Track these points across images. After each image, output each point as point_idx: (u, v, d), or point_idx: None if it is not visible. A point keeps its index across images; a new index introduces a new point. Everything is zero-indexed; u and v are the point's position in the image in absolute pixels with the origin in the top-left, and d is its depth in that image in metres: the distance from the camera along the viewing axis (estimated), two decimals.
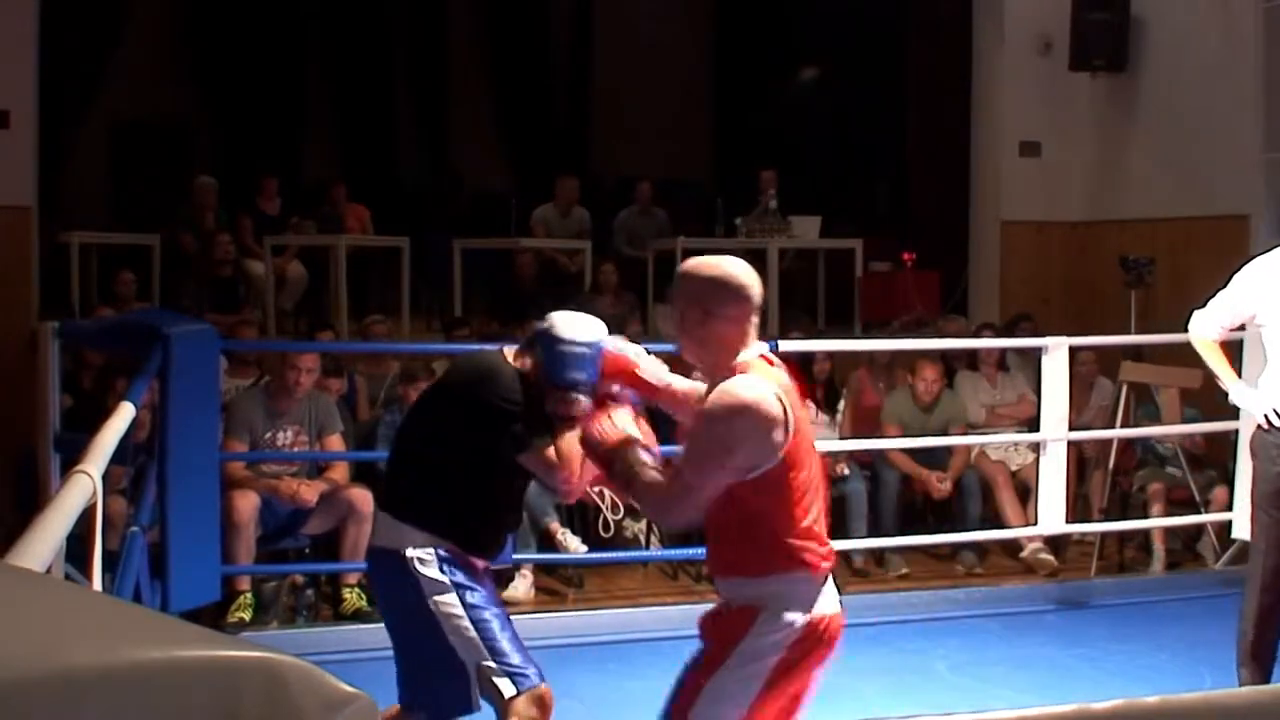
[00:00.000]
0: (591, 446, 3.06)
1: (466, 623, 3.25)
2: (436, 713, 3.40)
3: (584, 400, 3.24)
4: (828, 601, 2.83)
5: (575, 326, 3.28)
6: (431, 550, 3.28)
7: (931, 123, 11.25)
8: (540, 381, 3.30)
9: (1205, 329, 4.59)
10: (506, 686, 3.22)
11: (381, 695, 3.49)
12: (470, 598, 3.27)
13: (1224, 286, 4.65)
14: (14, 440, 6.23)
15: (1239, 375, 4.86)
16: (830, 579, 2.87)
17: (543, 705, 3.25)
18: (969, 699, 4.95)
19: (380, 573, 3.44)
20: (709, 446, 2.76)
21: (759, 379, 2.79)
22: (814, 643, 2.80)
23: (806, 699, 2.90)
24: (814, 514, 2.83)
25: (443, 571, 3.28)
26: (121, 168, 11.45)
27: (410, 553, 3.28)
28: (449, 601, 3.26)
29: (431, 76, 12.81)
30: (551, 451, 3.26)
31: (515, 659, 3.26)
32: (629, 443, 2.98)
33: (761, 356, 2.86)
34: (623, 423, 3.07)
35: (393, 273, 9.58)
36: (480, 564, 3.41)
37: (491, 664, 3.24)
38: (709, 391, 2.87)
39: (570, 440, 3.25)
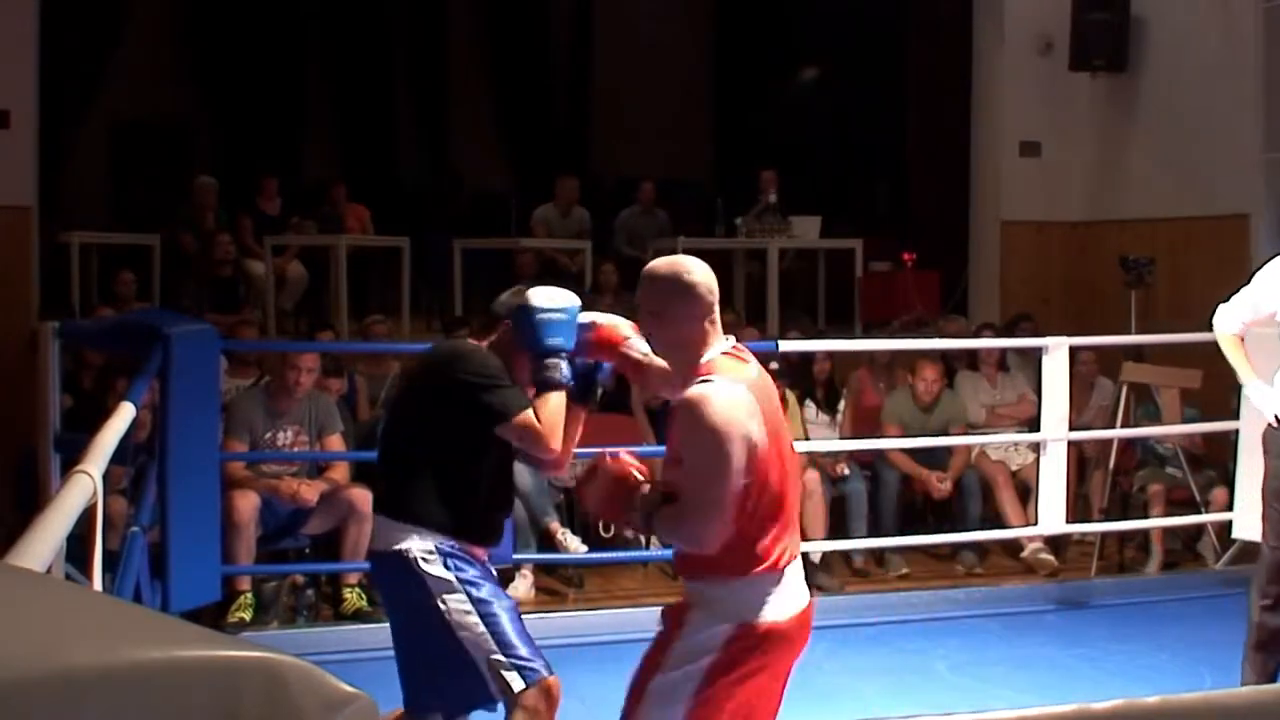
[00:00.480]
0: (609, 492, 2.97)
1: (475, 618, 3.25)
2: (447, 711, 3.41)
3: (564, 366, 3.28)
4: (778, 606, 2.76)
5: (550, 296, 3.32)
6: (433, 547, 3.28)
7: (931, 123, 11.25)
8: (515, 354, 3.34)
9: (1228, 324, 4.61)
10: (515, 680, 3.23)
11: (381, 695, 3.49)
12: (477, 592, 3.27)
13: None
14: (14, 440, 6.23)
15: None
16: (788, 583, 2.80)
17: (549, 696, 3.27)
18: (969, 699, 4.95)
19: (384, 575, 3.45)
20: (715, 464, 2.70)
21: (723, 380, 2.75)
22: (754, 643, 2.73)
23: (768, 705, 2.83)
24: (773, 514, 2.77)
25: (447, 568, 3.28)
26: (121, 168, 11.45)
27: (413, 552, 3.28)
28: (457, 598, 3.26)
29: (431, 76, 12.81)
30: (531, 418, 3.25)
31: (523, 651, 3.26)
32: (641, 485, 2.92)
33: (725, 353, 2.84)
34: (633, 463, 2.98)
35: (393, 273, 9.58)
36: (482, 553, 3.41)
37: (501, 657, 3.24)
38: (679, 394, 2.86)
39: (552, 408, 3.25)
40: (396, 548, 3.30)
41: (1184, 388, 6.97)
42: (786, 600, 2.79)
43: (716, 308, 2.89)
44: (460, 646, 3.26)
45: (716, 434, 2.69)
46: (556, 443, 3.27)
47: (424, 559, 3.27)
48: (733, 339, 2.92)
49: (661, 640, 2.82)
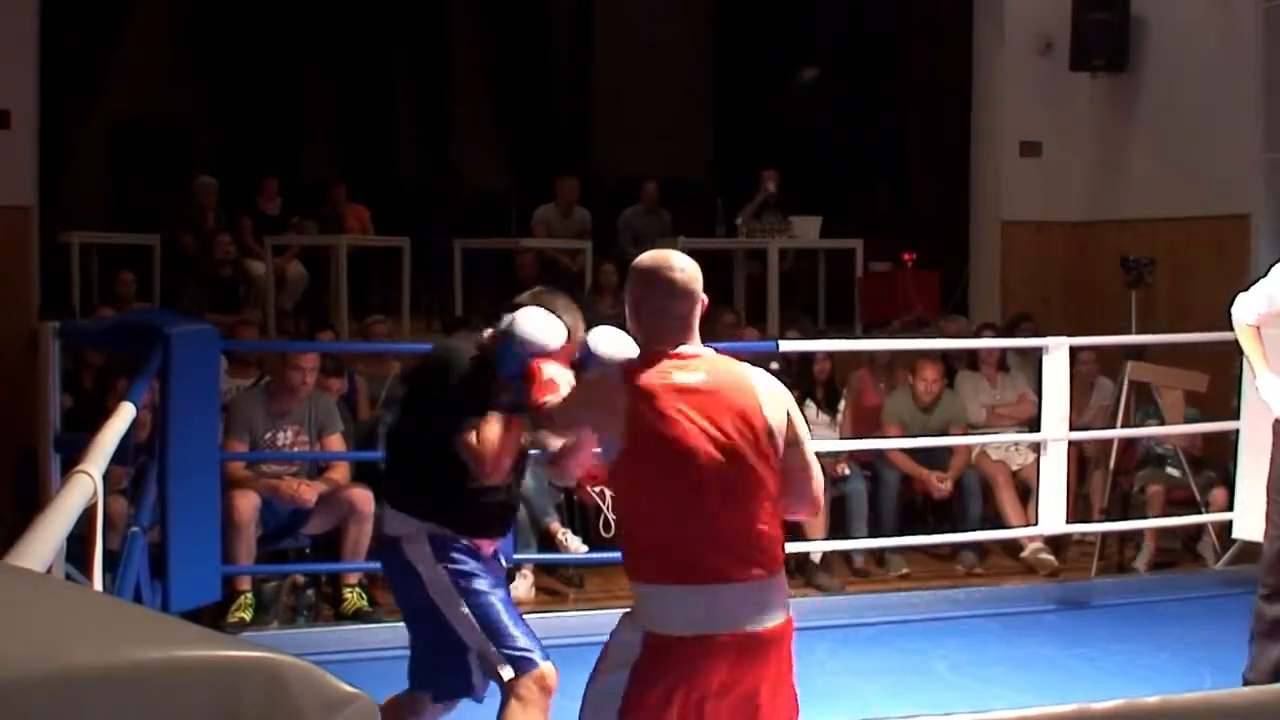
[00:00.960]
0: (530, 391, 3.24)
1: (466, 609, 3.31)
2: (438, 695, 3.48)
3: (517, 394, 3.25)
4: (688, 621, 2.67)
5: (529, 324, 3.27)
6: (426, 539, 3.35)
7: (931, 123, 11.25)
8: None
9: (1245, 313, 4.61)
10: (506, 670, 3.29)
11: (381, 695, 3.51)
12: (467, 583, 3.33)
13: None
14: (14, 440, 6.22)
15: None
16: (699, 603, 2.67)
17: (544, 685, 3.30)
18: (969, 699, 4.95)
19: (387, 563, 3.53)
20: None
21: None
22: (663, 656, 2.67)
23: None
24: (682, 524, 2.71)
25: (439, 559, 3.34)
26: (121, 168, 11.45)
27: (409, 543, 3.36)
28: (447, 588, 3.32)
29: (431, 76, 12.81)
30: (472, 437, 3.23)
31: (516, 641, 3.31)
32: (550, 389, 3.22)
33: (671, 354, 2.78)
34: (552, 373, 3.26)
35: (393, 273, 9.58)
36: (487, 547, 3.45)
37: (493, 648, 3.30)
38: None
39: (493, 430, 3.22)
40: (395, 536, 3.39)
41: (1188, 390, 6.97)
42: (702, 618, 2.67)
43: (696, 310, 2.83)
44: (454, 636, 3.33)
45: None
46: (491, 466, 3.24)
47: (417, 549, 3.34)
48: (688, 346, 2.82)
49: (607, 641, 2.82)
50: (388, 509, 3.48)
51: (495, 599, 3.35)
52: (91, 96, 10.78)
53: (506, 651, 3.29)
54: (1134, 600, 6.45)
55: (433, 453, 3.38)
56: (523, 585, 6.20)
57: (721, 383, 2.78)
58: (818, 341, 7.78)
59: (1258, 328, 4.60)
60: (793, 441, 2.83)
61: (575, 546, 6.17)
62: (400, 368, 7.05)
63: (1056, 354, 6.36)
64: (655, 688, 2.68)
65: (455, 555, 3.34)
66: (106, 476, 3.11)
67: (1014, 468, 7.10)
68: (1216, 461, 7.12)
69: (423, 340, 8.59)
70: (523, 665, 3.29)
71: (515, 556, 5.81)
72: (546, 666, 3.31)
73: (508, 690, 3.29)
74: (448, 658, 3.37)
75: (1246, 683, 4.42)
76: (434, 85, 12.82)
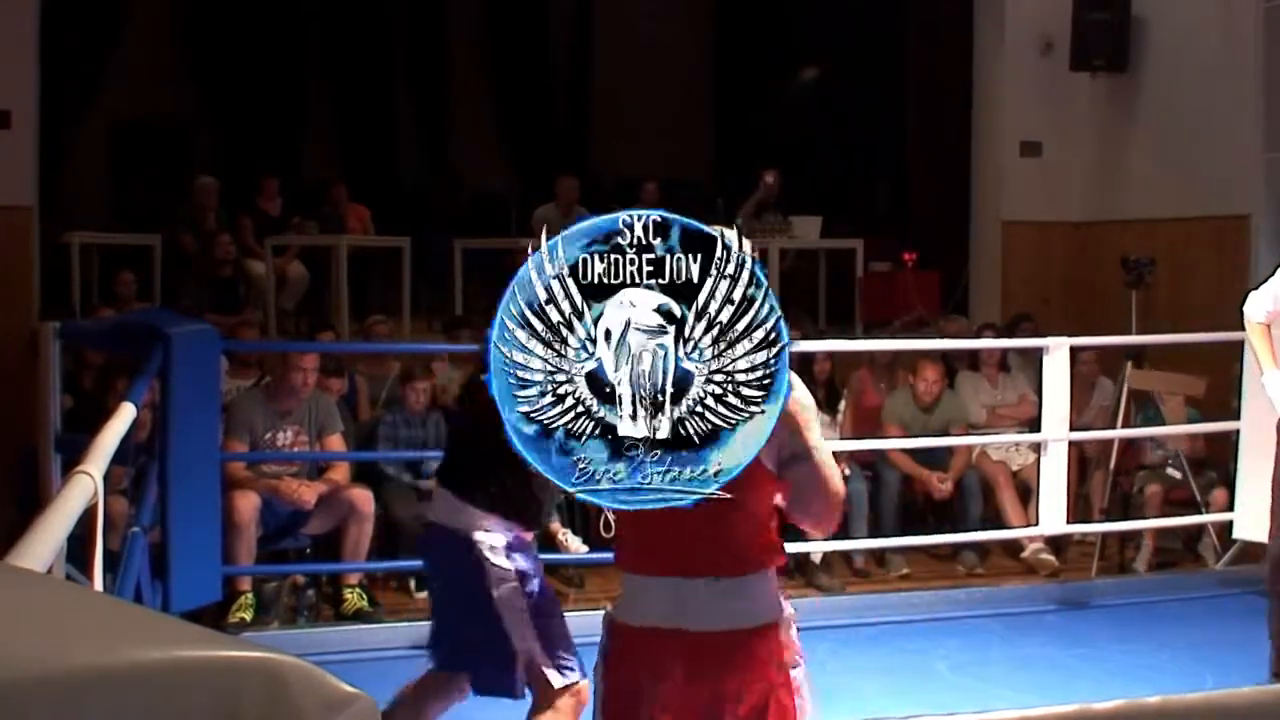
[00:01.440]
0: None
1: (525, 612, 3.34)
2: (479, 689, 3.50)
3: None
4: (637, 609, 2.65)
5: None
6: (500, 537, 3.37)
7: (931, 123, 11.25)
8: None
9: (1254, 311, 4.66)
10: (555, 678, 3.32)
11: (381, 695, 3.51)
12: (532, 586, 3.37)
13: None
14: (14, 440, 6.22)
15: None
16: (644, 592, 2.64)
17: (579, 701, 3.33)
18: (970, 699, 4.95)
19: (442, 551, 3.52)
20: None
21: None
22: (626, 648, 2.63)
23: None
24: (641, 512, 2.64)
25: (510, 559, 3.36)
26: (121, 168, 11.46)
27: (479, 537, 3.36)
28: (513, 589, 3.34)
29: (431, 76, 12.82)
30: None
31: (564, 652, 3.36)
32: None
33: None
34: None
35: (393, 273, 9.58)
36: (529, 538, 3.49)
37: (542, 654, 3.33)
38: None
39: None
40: (460, 528, 3.38)
41: (1189, 394, 6.98)
42: (654, 612, 2.61)
43: None
44: (505, 635, 3.34)
45: None
46: None
47: (490, 546, 3.35)
48: None
49: None
50: (450, 498, 3.46)
51: (551, 606, 3.41)
52: (91, 96, 10.79)
53: (556, 659, 3.33)
54: (1134, 600, 6.46)
55: (496, 448, 3.38)
56: None
57: None
58: (818, 341, 7.78)
59: (1268, 325, 4.63)
60: (796, 456, 2.68)
61: (575, 546, 6.17)
62: (400, 368, 7.04)
63: (1057, 354, 6.36)
64: (622, 677, 2.66)
65: (521, 556, 3.40)
66: (107, 476, 3.11)
67: (1014, 468, 7.09)
68: (1217, 462, 7.12)
69: (423, 340, 8.61)
70: (568, 676, 3.34)
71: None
72: (585, 684, 3.32)
73: (544, 698, 3.31)
74: (492, 654, 3.38)
75: (1276, 677, 4.44)
76: (434, 85, 12.83)
